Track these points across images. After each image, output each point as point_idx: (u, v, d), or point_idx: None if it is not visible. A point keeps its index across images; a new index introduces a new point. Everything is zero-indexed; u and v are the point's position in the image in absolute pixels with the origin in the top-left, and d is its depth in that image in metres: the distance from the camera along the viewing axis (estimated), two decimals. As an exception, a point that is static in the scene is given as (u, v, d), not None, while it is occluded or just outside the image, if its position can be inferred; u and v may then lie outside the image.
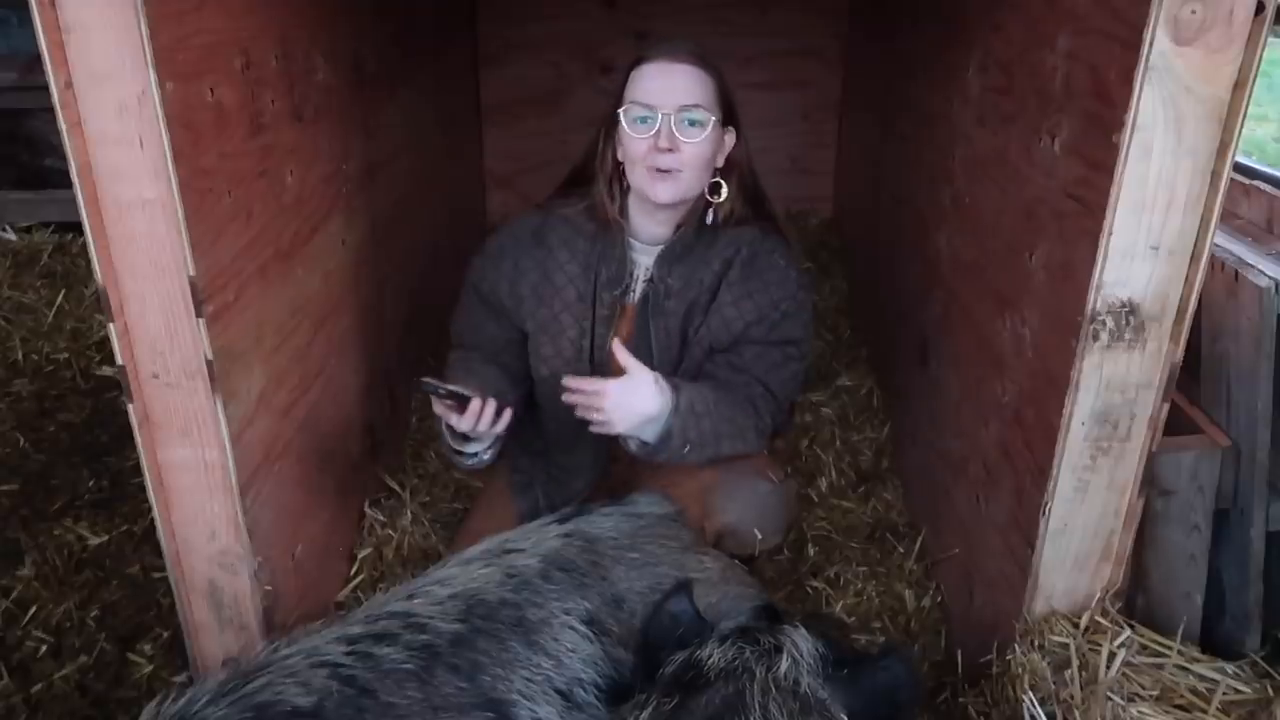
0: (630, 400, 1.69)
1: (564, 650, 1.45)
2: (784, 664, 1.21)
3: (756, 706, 1.14)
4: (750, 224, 1.88)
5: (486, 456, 1.81)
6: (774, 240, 1.89)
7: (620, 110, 1.75)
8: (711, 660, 1.21)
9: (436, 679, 1.37)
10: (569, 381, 1.70)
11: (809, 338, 1.93)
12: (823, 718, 1.17)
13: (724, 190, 1.83)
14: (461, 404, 1.69)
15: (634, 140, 1.73)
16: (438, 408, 1.72)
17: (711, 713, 1.15)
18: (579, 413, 1.71)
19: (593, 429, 1.73)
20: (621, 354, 1.70)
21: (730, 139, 1.82)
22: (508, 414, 1.73)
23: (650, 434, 1.74)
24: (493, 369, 1.89)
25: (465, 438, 1.77)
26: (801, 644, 1.25)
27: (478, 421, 1.69)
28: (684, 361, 1.88)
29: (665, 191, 1.75)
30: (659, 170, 1.73)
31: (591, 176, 1.87)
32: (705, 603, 1.42)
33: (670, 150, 1.71)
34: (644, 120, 1.72)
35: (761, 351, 1.85)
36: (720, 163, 1.81)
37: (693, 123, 1.72)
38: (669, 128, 1.70)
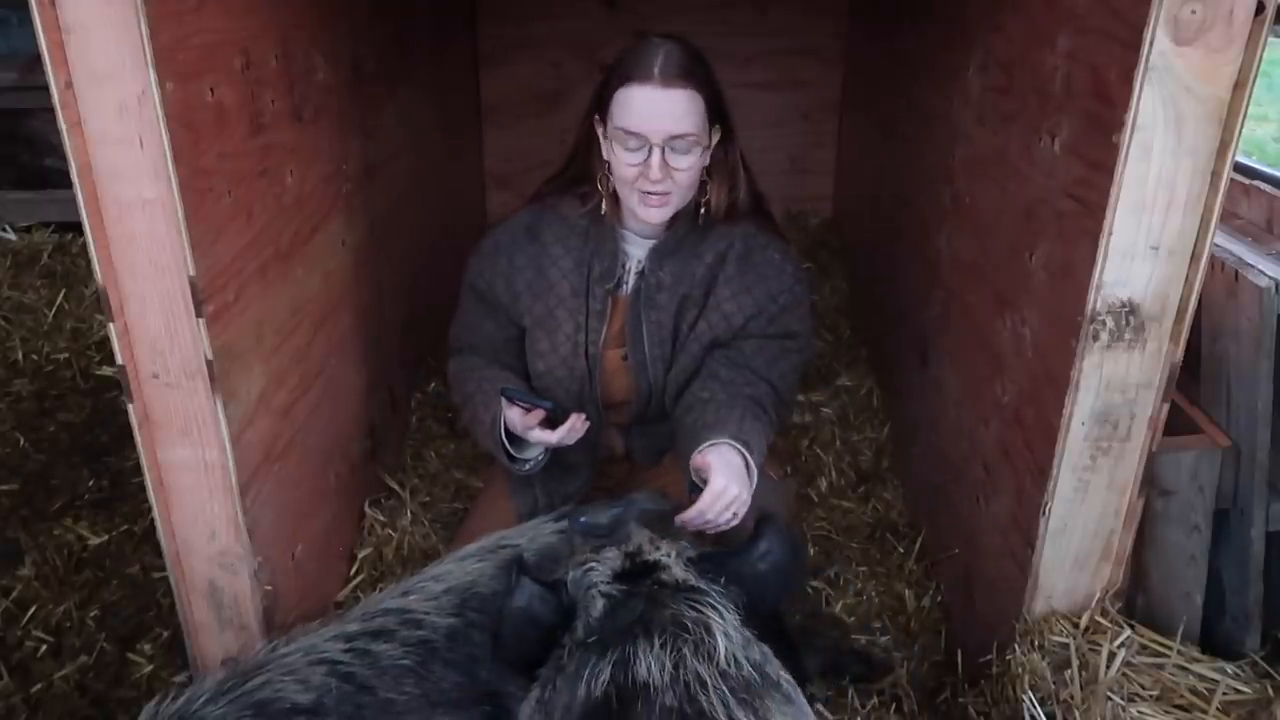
0: (731, 469, 1.61)
1: None
2: (721, 646, 1.15)
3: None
4: (745, 219, 1.88)
5: (543, 459, 1.83)
6: (768, 235, 1.89)
7: (609, 127, 1.73)
8: (652, 674, 1.11)
9: (434, 674, 1.37)
10: (699, 512, 1.55)
11: (808, 331, 1.92)
12: (770, 687, 1.15)
13: (709, 187, 1.82)
14: (535, 413, 1.72)
15: (623, 166, 1.72)
16: (529, 420, 1.73)
17: None
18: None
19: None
20: (704, 465, 1.61)
21: (716, 135, 1.79)
22: (586, 425, 1.75)
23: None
24: (509, 374, 1.90)
25: (522, 442, 1.79)
26: (722, 610, 1.19)
27: (567, 435, 1.71)
28: (680, 356, 1.87)
29: (658, 215, 1.76)
30: (650, 194, 1.73)
31: (580, 172, 1.87)
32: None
33: (661, 179, 1.70)
34: (633, 149, 1.70)
35: (761, 345, 1.85)
36: (706, 160, 1.80)
37: (682, 149, 1.70)
38: (659, 158, 1.68)
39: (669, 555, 1.28)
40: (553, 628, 1.25)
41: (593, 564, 1.30)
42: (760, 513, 1.41)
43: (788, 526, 1.27)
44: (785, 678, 1.21)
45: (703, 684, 1.10)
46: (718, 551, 1.35)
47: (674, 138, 1.68)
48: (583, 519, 1.44)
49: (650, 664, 1.12)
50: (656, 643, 1.14)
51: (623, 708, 1.10)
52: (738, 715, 1.09)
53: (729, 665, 1.13)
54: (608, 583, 1.24)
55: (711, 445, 1.63)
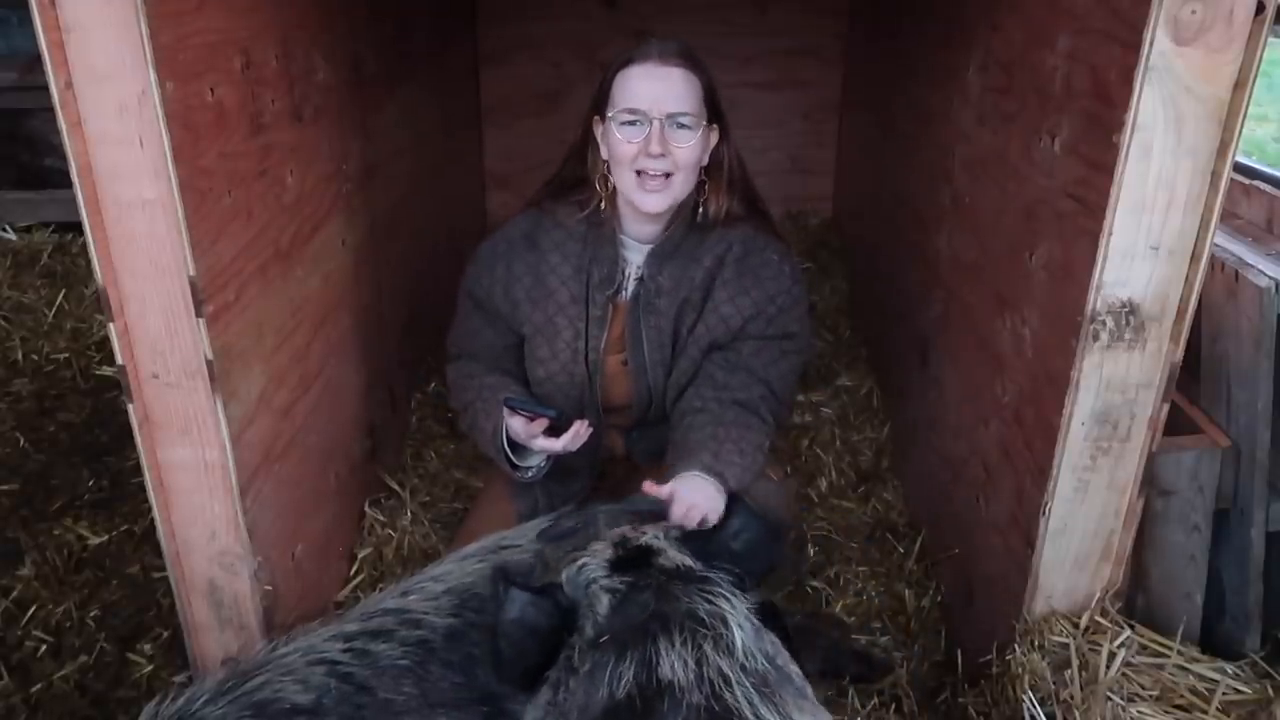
0: (699, 494, 1.57)
1: None
2: (738, 638, 1.13)
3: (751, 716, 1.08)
4: (743, 222, 1.88)
5: (545, 466, 1.83)
6: (766, 236, 1.89)
7: (609, 114, 1.75)
8: (675, 673, 1.09)
9: (432, 675, 1.38)
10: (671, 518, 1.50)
11: (806, 331, 1.92)
12: (784, 680, 1.14)
13: (707, 189, 1.83)
14: (538, 421, 1.71)
15: (623, 145, 1.73)
16: (533, 428, 1.72)
17: None
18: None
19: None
20: (655, 489, 1.56)
21: (714, 137, 1.81)
22: (590, 431, 1.75)
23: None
24: (509, 380, 1.90)
25: (524, 449, 1.79)
26: (731, 598, 1.18)
27: (571, 442, 1.70)
28: (679, 360, 1.87)
29: (656, 202, 1.75)
30: (649, 176, 1.73)
31: (578, 176, 1.87)
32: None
33: (661, 155, 1.71)
34: (633, 124, 1.72)
35: (759, 347, 1.85)
36: (705, 160, 1.81)
37: (682, 126, 1.72)
38: (659, 133, 1.70)
39: (659, 537, 1.26)
40: (553, 631, 1.21)
41: (585, 559, 1.26)
42: (729, 494, 1.38)
43: (772, 513, 1.26)
44: (795, 670, 1.20)
45: (726, 680, 1.09)
46: (690, 533, 1.35)
47: (673, 115, 1.70)
48: (546, 530, 1.46)
49: (674, 662, 1.09)
50: (677, 639, 1.11)
51: (646, 708, 1.07)
52: (762, 712, 1.08)
53: (747, 659, 1.12)
54: (607, 576, 1.21)
55: (679, 477, 1.60)
